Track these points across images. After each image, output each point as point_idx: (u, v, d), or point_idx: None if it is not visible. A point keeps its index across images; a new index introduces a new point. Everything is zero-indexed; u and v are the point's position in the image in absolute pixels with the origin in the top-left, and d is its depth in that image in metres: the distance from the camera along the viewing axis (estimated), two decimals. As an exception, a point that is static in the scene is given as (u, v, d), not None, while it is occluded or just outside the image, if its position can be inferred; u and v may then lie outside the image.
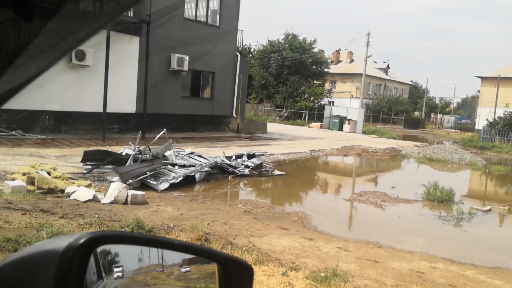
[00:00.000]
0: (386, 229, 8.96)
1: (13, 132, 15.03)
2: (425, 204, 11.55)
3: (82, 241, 0.63)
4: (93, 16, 0.59)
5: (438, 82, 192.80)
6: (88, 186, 9.06)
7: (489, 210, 11.40)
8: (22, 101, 13.48)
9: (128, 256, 0.89)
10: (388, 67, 69.66)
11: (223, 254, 0.97)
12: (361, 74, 47.36)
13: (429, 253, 7.25)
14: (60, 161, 11.61)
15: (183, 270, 0.98)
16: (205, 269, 1.01)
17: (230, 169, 12.90)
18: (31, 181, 8.54)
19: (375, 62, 67.32)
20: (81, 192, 8.27)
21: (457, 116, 74.50)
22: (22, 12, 0.48)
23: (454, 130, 58.11)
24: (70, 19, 0.55)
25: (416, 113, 71.95)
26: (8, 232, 4.94)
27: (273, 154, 17.46)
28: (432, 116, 73.11)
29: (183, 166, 11.59)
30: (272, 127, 30.01)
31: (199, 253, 0.96)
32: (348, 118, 37.56)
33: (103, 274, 0.81)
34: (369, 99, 59.19)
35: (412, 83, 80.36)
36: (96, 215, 6.92)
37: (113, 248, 0.84)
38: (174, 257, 0.97)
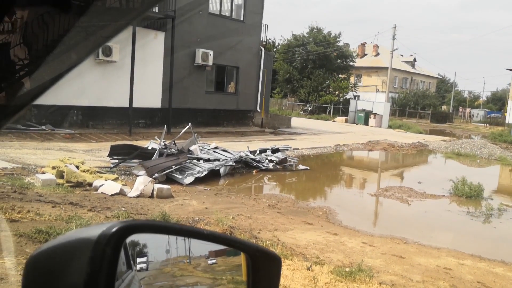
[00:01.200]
0: (412, 224, 8.84)
1: (43, 127, 15.42)
2: (453, 200, 11.34)
3: (114, 229, 0.64)
4: (120, 12, 0.59)
5: (467, 76, 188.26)
6: (115, 180, 9.22)
7: (520, 206, 11.11)
8: (52, 97, 13.80)
9: (156, 248, 0.90)
10: (414, 60, 68.39)
11: (252, 244, 0.98)
12: (387, 68, 46.66)
13: (456, 249, 7.13)
14: (88, 155, 11.85)
15: (210, 262, 0.99)
16: (231, 261, 1.02)
17: (254, 164, 12.92)
18: (60, 174, 8.75)
19: (402, 55, 66.19)
20: (108, 186, 8.43)
21: (486, 110, 72.57)
22: (59, 5, 0.49)
23: (483, 125, 56.71)
24: (99, 15, 0.56)
25: (444, 107, 70.49)
26: (39, 224, 5.09)
27: (297, 149, 17.40)
28: (460, 110, 71.50)
29: (208, 160, 11.67)
30: (296, 121, 29.89)
31: (228, 243, 0.97)
32: (373, 112, 37.10)
33: (132, 265, 0.83)
34: (395, 93, 58.28)
35: (439, 77, 78.71)
36: (123, 208, 7.05)
37: (141, 239, 0.85)
38: (200, 249, 0.97)
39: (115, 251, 0.64)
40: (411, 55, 68.61)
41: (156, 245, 0.90)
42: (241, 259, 1.01)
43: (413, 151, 22.01)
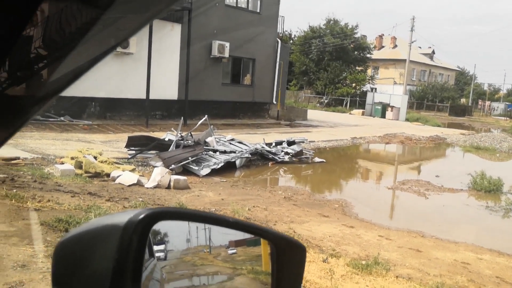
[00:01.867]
0: (429, 218, 8.75)
1: (62, 118, 15.63)
2: (471, 194, 11.19)
3: (142, 216, 0.65)
4: (147, 4, 0.59)
5: (487, 68, 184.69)
6: (132, 170, 9.32)
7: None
8: (70, 89, 13.80)
9: (176, 237, 0.90)
10: (433, 52, 67.31)
11: (277, 233, 0.98)
12: (404, 60, 46.07)
13: (475, 243, 7.05)
14: (105, 146, 11.99)
15: (230, 252, 0.99)
16: (251, 251, 1.02)
17: (270, 156, 12.92)
18: (79, 165, 8.88)
19: (420, 47, 65.16)
20: (126, 177, 8.52)
21: (507, 103, 71.11)
22: None
23: (503, 118, 55.71)
24: (124, 7, 0.56)
25: (463, 100, 69.34)
26: (59, 213, 5.18)
27: (314, 141, 17.34)
28: (479, 103, 70.25)
29: (224, 152, 11.71)
30: (313, 114, 29.75)
31: (253, 231, 0.97)
32: (391, 105, 36.70)
33: (154, 253, 0.84)
34: (413, 85, 57.52)
35: (458, 69, 77.36)
36: (140, 199, 7.12)
37: (162, 228, 0.86)
38: (220, 238, 0.98)
39: (142, 238, 0.65)
40: (430, 47, 67.54)
41: (176, 234, 0.90)
42: (261, 249, 1.02)
43: (431, 145, 21.75)
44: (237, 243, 1.00)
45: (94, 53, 0.62)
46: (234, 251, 1.00)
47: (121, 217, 0.65)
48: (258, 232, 0.97)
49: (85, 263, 0.65)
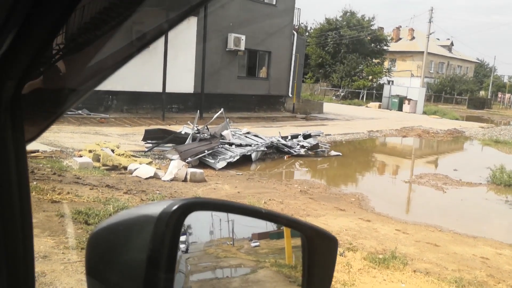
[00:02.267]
0: (447, 212, 8.66)
1: (80, 111, 15.82)
2: (491, 188, 11.02)
3: (176, 206, 0.66)
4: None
5: (507, 60, 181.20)
6: (149, 163, 9.40)
7: (562, 195, 10.70)
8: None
9: (199, 228, 0.91)
10: (452, 44, 66.24)
11: (309, 224, 0.98)
12: (422, 52, 45.44)
13: (494, 238, 6.95)
14: (122, 139, 12.10)
15: (253, 244, 1.00)
16: (274, 244, 1.02)
17: (286, 149, 12.90)
18: (96, 158, 8.99)
19: (438, 39, 64.17)
20: (143, 169, 8.60)
21: (527, 95, 69.79)
22: None
23: (523, 111, 54.64)
24: (160, 3, 0.55)
25: (482, 93, 68.19)
26: (78, 206, 5.26)
27: (329, 135, 17.25)
28: (499, 95, 68.95)
29: (240, 145, 11.73)
30: (329, 107, 29.58)
31: (285, 222, 0.97)
32: (408, 98, 36.28)
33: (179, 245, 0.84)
34: (430, 78, 56.75)
35: (478, 61, 76.05)
36: (158, 192, 7.18)
37: (187, 220, 0.86)
38: (243, 231, 0.98)
39: (176, 228, 0.66)
40: (448, 39, 66.50)
41: (200, 226, 0.91)
42: (284, 242, 1.02)
43: (449, 138, 21.46)
44: (260, 236, 1.00)
45: (129, 50, 0.62)
46: (257, 243, 1.00)
47: (155, 208, 0.66)
48: (290, 224, 0.97)
49: (119, 253, 0.66)
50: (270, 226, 1.01)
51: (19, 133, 0.54)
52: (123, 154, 9.49)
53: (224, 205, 0.88)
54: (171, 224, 0.64)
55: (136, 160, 9.40)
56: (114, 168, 8.82)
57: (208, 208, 0.82)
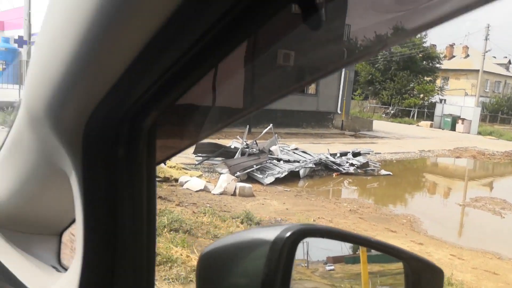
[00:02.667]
0: (506, 239, 8.22)
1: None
2: (553, 215, 10.40)
3: (290, 233, 0.67)
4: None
5: None
6: (199, 176, 9.56)
7: None
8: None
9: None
10: (509, 62, 63.54)
11: (414, 254, 0.97)
12: (477, 70, 43.95)
13: (559, 269, 6.53)
14: (174, 152, 12.36)
15: (328, 268, 0.99)
16: (350, 269, 1.01)
17: (335, 167, 12.75)
18: (149, 169, 9.23)
19: (495, 57, 61.85)
20: (194, 182, 8.76)
21: None
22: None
23: None
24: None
25: (542, 113, 64.80)
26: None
27: (379, 153, 16.91)
28: (561, 117, 65.29)
29: (288, 161, 11.72)
30: (378, 124, 29.06)
31: (395, 254, 0.96)
32: (461, 117, 35.06)
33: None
34: (486, 97, 54.58)
35: (538, 80, 72.51)
36: (208, 205, 7.28)
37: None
38: (318, 253, 0.98)
39: (290, 254, 0.67)
40: (506, 57, 63.88)
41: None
42: (360, 267, 1.01)
43: (506, 160, 20.49)
44: (335, 259, 1.00)
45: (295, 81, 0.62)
46: (332, 267, 1.00)
47: (268, 233, 0.68)
48: (394, 253, 0.96)
49: (230, 274, 0.69)
50: (345, 250, 1.01)
51: (152, 158, 0.58)
52: (174, 166, 9.70)
53: (336, 233, 0.89)
54: (285, 250, 0.66)
55: (187, 173, 9.59)
56: (166, 179, 9.02)
57: (320, 235, 0.83)
